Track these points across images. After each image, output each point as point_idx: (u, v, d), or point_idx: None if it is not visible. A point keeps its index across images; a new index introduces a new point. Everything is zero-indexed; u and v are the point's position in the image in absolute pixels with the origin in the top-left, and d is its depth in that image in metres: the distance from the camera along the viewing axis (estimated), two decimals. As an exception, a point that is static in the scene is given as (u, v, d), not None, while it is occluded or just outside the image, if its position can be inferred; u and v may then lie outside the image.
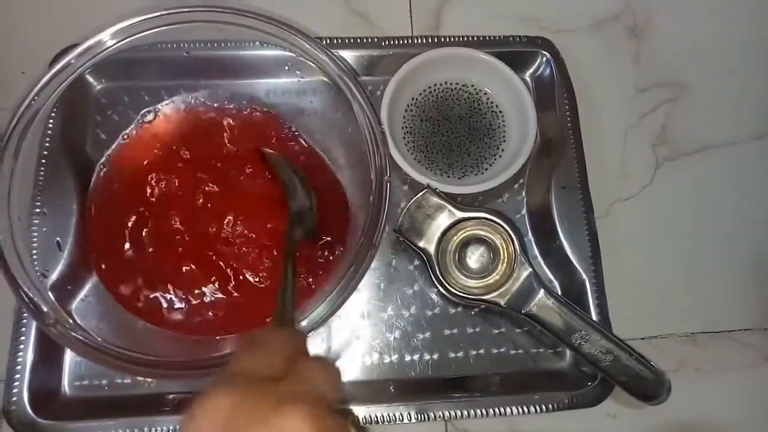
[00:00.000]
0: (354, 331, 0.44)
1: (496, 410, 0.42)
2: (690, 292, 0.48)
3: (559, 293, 0.44)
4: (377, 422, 0.41)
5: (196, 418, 0.22)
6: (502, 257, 0.42)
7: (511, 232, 0.42)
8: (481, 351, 0.44)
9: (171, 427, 0.39)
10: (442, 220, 0.42)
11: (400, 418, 0.41)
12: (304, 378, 0.25)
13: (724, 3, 0.55)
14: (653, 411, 0.41)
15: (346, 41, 0.48)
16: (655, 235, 0.49)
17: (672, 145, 0.51)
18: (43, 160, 0.42)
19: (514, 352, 0.45)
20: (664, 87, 0.52)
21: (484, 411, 0.42)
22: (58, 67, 0.39)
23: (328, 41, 0.47)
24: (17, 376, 0.40)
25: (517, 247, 0.42)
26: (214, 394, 0.23)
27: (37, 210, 0.40)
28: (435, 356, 0.44)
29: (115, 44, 0.39)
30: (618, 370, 0.40)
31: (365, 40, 0.49)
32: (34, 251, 0.37)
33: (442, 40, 0.49)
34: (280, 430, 0.22)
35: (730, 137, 0.51)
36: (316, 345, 0.44)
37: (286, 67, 0.44)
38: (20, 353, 0.40)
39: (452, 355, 0.44)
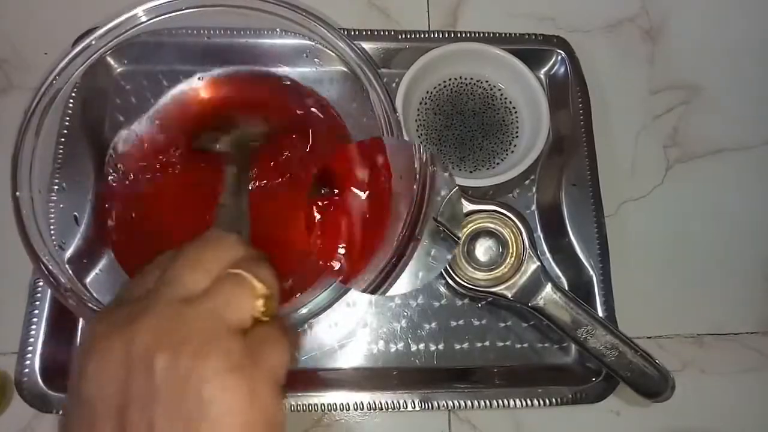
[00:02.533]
0: (361, 319, 0.45)
1: (500, 402, 0.42)
2: (697, 293, 0.48)
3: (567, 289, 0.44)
4: (381, 409, 0.41)
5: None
6: (510, 250, 0.42)
7: (520, 226, 0.42)
8: (487, 343, 0.45)
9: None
10: (453, 212, 0.43)
11: (404, 405, 0.41)
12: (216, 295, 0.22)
13: (739, 6, 0.55)
14: (656, 410, 0.41)
15: (364, 33, 0.49)
16: (664, 236, 0.49)
17: (684, 147, 0.51)
18: (63, 139, 0.43)
19: (519, 346, 0.45)
20: (677, 89, 0.52)
21: (487, 402, 0.42)
22: (78, 48, 0.39)
23: (345, 32, 0.48)
24: (29, 348, 0.40)
25: (526, 240, 0.42)
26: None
27: (56, 186, 0.41)
28: (440, 347, 0.44)
29: (136, 26, 0.40)
30: (622, 366, 0.40)
31: (382, 33, 0.49)
32: (53, 225, 0.38)
33: (458, 35, 0.49)
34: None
35: (742, 141, 0.51)
36: (324, 331, 0.44)
37: (305, 55, 0.45)
38: (33, 327, 0.41)
39: (457, 346, 0.45)
